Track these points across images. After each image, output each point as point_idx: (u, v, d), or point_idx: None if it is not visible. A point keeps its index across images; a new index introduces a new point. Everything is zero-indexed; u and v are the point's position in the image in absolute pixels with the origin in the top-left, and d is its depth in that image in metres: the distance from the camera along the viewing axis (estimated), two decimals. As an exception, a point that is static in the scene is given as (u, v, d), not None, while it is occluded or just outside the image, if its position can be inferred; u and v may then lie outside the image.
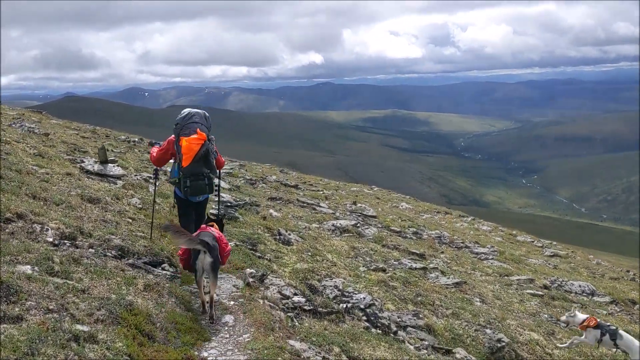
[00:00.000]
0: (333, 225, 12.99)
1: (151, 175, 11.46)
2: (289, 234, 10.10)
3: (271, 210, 12.46)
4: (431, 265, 11.18)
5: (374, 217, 18.18)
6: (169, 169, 8.32)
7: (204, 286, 5.81)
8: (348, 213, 17.73)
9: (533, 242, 24.49)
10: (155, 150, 7.43)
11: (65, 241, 5.65)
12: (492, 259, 15.82)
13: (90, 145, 16.10)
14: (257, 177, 22.52)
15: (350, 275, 8.55)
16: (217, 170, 7.48)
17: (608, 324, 7.97)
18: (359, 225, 13.75)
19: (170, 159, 7.29)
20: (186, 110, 7.08)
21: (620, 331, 7.62)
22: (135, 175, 11.72)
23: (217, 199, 9.47)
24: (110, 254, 5.80)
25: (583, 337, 7.78)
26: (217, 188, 8.09)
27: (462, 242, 17.63)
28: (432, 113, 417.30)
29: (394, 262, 10.57)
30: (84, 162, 10.87)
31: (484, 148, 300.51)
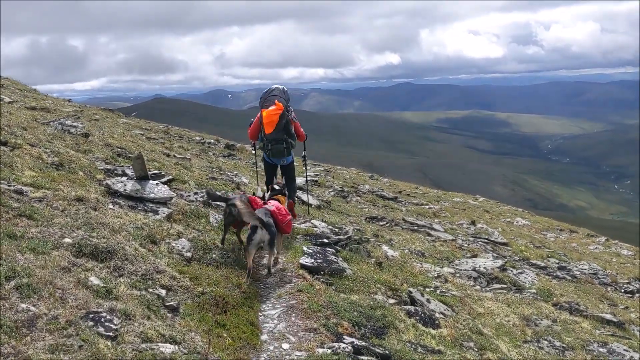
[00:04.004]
0: (473, 269, 8.94)
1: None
2: (427, 300, 6.21)
3: (385, 248, 8.61)
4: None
5: (505, 244, 13.97)
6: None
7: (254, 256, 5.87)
8: (471, 239, 13.65)
9: (693, 273, 19.28)
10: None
11: None
12: (684, 312, 11.24)
13: (149, 149, 12.91)
14: (347, 187, 18.80)
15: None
16: (297, 139, 8.30)
17: None
18: (506, 267, 9.63)
19: (260, 130, 8.03)
20: (269, 87, 8.14)
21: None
22: (195, 194, 8.17)
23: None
24: None
25: None
26: (296, 154, 8.77)
27: (627, 283, 13.07)
28: (516, 114, 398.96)
29: (599, 348, 6.42)
30: (123, 175, 7.46)
31: (573, 151, 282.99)
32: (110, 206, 5.96)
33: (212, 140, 24.76)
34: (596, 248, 20.91)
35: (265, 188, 8.28)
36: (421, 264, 8.55)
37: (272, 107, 7.66)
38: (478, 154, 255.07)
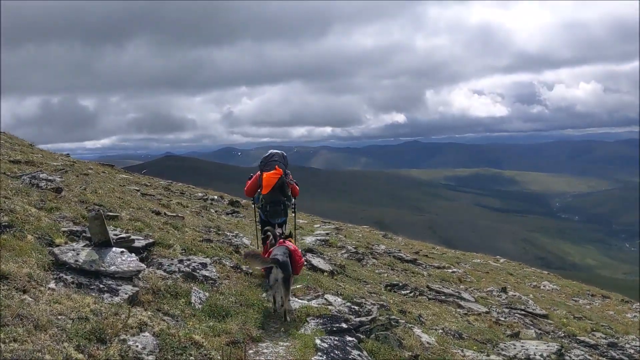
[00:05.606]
0: (527, 357, 7.15)
1: (206, 262, 6.44)
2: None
3: (417, 331, 6.87)
4: None
5: (545, 316, 12.14)
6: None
7: (277, 296, 6.20)
8: (506, 310, 11.84)
9: None
10: (247, 183, 8.93)
11: None
12: None
13: (136, 206, 11.34)
14: (361, 247, 17.06)
15: None
16: (293, 198, 8.89)
17: None
18: (563, 352, 7.82)
19: (258, 189, 8.70)
20: (270, 152, 8.84)
21: None
22: (180, 261, 6.53)
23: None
24: None
25: None
26: (292, 214, 9.41)
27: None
28: (524, 172, 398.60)
29: None
30: (90, 239, 5.85)
31: (583, 209, 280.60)
32: (51, 285, 4.34)
33: (216, 197, 23.22)
34: (634, 316, 18.87)
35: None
36: (462, 350, 6.79)
37: (273, 171, 8.37)
38: (487, 211, 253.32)
